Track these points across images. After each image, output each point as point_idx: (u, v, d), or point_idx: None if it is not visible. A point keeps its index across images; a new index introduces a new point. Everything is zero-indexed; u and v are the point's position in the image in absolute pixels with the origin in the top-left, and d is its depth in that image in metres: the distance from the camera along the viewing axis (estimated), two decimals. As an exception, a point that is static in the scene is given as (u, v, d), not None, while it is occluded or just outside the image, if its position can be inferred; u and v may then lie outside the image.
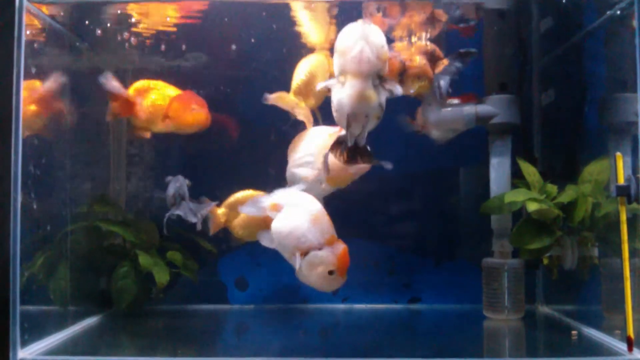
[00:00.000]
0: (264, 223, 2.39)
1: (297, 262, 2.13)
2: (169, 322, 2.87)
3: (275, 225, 2.22)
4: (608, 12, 2.42)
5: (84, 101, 2.84)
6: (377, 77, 2.11)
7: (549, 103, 3.04)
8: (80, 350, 2.29)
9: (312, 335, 2.69)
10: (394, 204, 3.13)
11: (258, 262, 3.14)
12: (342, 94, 2.12)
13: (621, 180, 2.07)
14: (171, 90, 2.77)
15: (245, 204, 2.38)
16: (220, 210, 2.75)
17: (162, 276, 2.77)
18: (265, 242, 2.30)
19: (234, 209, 2.70)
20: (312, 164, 2.42)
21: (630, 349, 2.04)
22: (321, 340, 2.58)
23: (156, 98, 2.74)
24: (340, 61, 2.11)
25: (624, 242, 2.05)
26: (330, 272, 2.12)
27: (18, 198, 2.08)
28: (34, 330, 2.19)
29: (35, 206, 2.25)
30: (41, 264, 2.45)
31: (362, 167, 2.31)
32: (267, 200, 2.30)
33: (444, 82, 2.58)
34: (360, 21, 2.08)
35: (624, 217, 2.07)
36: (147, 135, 2.82)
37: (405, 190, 3.12)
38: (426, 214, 3.13)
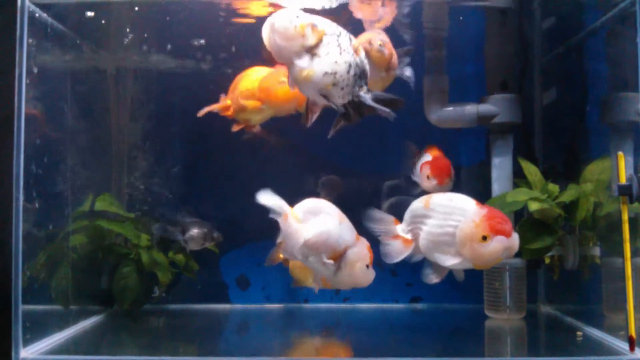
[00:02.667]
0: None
1: (333, 266, 2.08)
2: (170, 321, 2.88)
3: (309, 238, 2.06)
4: (610, 12, 2.42)
5: (85, 100, 2.85)
6: (305, 52, 2.00)
7: (550, 102, 3.04)
8: (82, 350, 2.29)
9: (313, 335, 2.69)
10: (395, 203, 3.13)
11: (259, 261, 3.14)
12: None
13: (623, 180, 2.07)
14: (262, 72, 2.56)
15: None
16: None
17: (164, 276, 2.78)
18: (294, 255, 2.15)
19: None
20: (453, 250, 2.06)
21: (631, 348, 2.04)
22: (322, 340, 2.58)
23: (244, 84, 2.57)
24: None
25: (626, 242, 2.05)
26: (367, 266, 2.09)
27: (20, 197, 2.09)
28: (36, 329, 2.19)
29: (37, 205, 2.25)
30: (43, 263, 2.46)
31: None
32: (282, 207, 2.11)
33: (409, 74, 2.50)
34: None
35: (625, 216, 2.07)
36: (256, 128, 2.69)
37: (406, 189, 3.12)
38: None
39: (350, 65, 2.03)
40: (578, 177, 2.61)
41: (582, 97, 2.85)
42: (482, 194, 2.79)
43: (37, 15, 2.29)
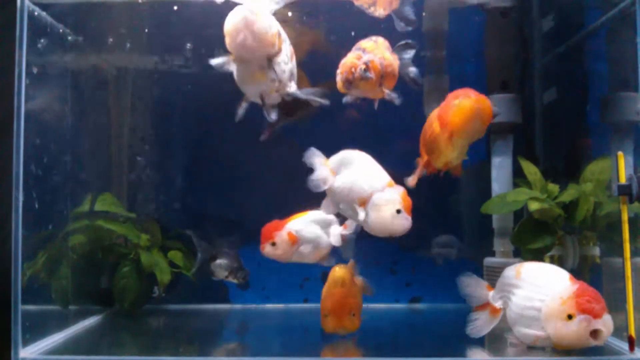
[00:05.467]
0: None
1: (361, 212, 2.10)
2: (170, 321, 2.88)
3: (336, 186, 2.17)
4: (610, 12, 2.42)
5: (86, 99, 2.85)
6: (267, 59, 2.07)
7: (550, 102, 3.04)
8: (81, 350, 2.29)
9: (314, 335, 2.69)
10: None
11: (259, 261, 3.14)
12: (236, 73, 2.13)
13: (623, 180, 2.07)
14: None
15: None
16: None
17: (163, 276, 2.78)
18: (327, 210, 2.27)
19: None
20: (538, 325, 2.00)
21: (631, 348, 2.04)
22: (322, 340, 2.57)
23: (434, 131, 2.30)
24: (227, 41, 2.03)
25: (626, 242, 2.05)
26: (398, 211, 2.08)
27: (20, 197, 2.09)
28: (36, 329, 2.19)
29: (36, 205, 2.25)
30: (43, 263, 2.46)
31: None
32: (318, 162, 2.21)
33: (414, 72, 2.38)
34: (244, 5, 1.98)
35: (625, 216, 2.07)
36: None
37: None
38: (427, 213, 3.12)
39: (291, 73, 2.18)
40: (578, 177, 2.60)
41: (582, 97, 2.85)
42: (482, 194, 2.80)
43: (36, 14, 2.29)
